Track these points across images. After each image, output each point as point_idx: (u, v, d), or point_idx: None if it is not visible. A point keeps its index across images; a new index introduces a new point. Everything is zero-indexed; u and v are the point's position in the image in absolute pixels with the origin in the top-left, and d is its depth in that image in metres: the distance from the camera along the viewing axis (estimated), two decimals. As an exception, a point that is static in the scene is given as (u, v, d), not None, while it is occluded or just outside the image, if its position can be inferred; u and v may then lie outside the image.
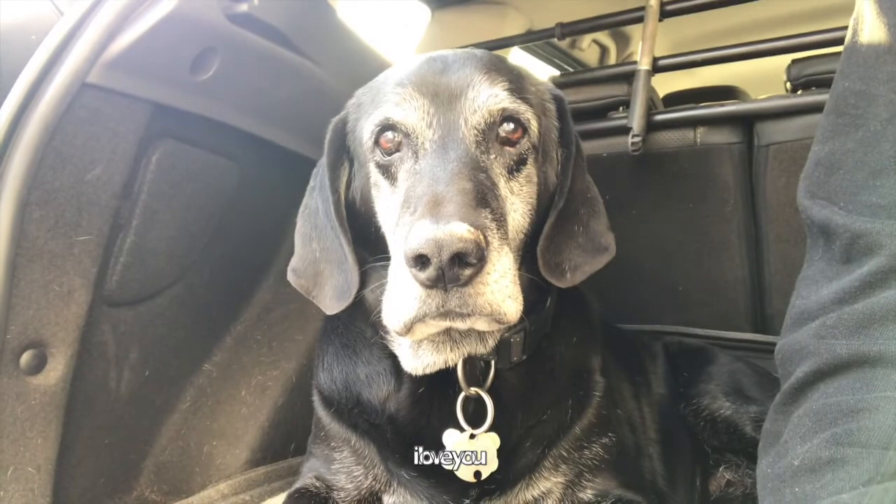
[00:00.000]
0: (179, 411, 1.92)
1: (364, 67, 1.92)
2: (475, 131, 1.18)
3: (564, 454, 1.35)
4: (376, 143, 1.24)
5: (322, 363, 1.49)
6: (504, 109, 1.19)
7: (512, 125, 1.21)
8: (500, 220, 1.08)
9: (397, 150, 1.22)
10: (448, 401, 1.28)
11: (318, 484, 1.45)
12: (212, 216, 1.82)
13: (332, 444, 1.45)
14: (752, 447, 1.69)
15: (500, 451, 1.28)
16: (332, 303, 1.32)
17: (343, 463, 1.42)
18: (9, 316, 1.37)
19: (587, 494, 1.36)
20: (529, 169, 1.24)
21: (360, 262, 1.30)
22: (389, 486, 1.38)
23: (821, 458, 0.82)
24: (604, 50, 4.14)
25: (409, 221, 1.04)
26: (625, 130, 2.27)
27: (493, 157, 1.18)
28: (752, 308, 2.42)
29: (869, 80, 0.96)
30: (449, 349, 1.24)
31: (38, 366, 1.44)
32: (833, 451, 0.81)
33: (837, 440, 0.82)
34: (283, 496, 1.48)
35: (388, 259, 1.17)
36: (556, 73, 3.88)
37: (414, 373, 1.27)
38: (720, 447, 1.77)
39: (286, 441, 2.02)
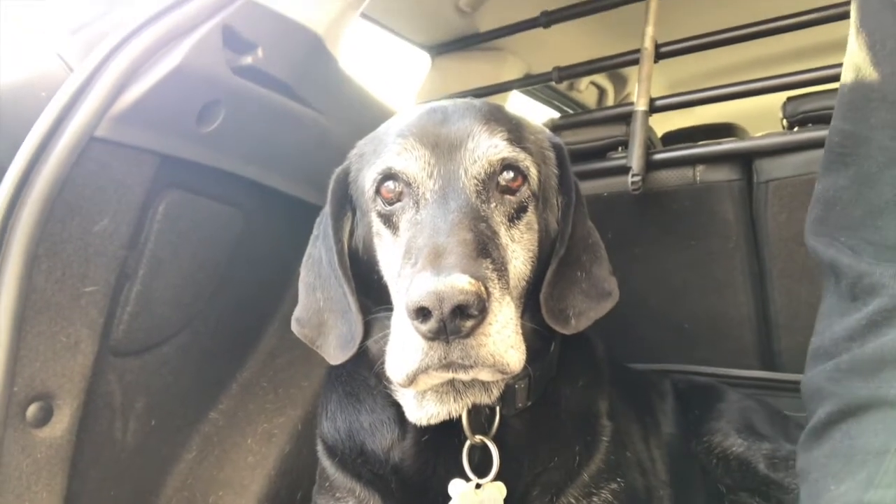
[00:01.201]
0: (185, 461, 1.90)
1: (366, 115, 1.96)
2: (475, 181, 1.19)
3: (573, 501, 1.33)
4: (378, 192, 1.26)
5: (325, 412, 1.48)
6: (504, 159, 1.21)
7: (512, 174, 1.22)
8: (502, 269, 1.08)
9: (399, 200, 1.23)
10: (454, 449, 1.27)
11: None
12: (217, 264, 1.83)
13: (337, 494, 1.42)
14: (765, 485, 1.67)
15: (507, 500, 1.26)
16: (336, 353, 1.32)
17: None
18: (16, 368, 1.37)
19: None
20: (530, 216, 1.25)
21: (364, 312, 1.30)
22: None
23: (862, 502, 0.84)
24: (602, 91, 4.21)
25: (410, 273, 1.05)
26: (624, 170, 2.29)
27: (493, 205, 1.19)
28: (759, 345, 2.40)
29: (861, 122, 0.99)
30: (452, 399, 1.24)
31: (45, 418, 1.44)
32: (873, 494, 0.83)
33: (873, 482, 0.84)
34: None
35: (391, 309, 1.18)
36: (556, 114, 3.95)
37: (418, 423, 1.27)
38: (733, 485, 1.74)
39: (293, 490, 1.99)
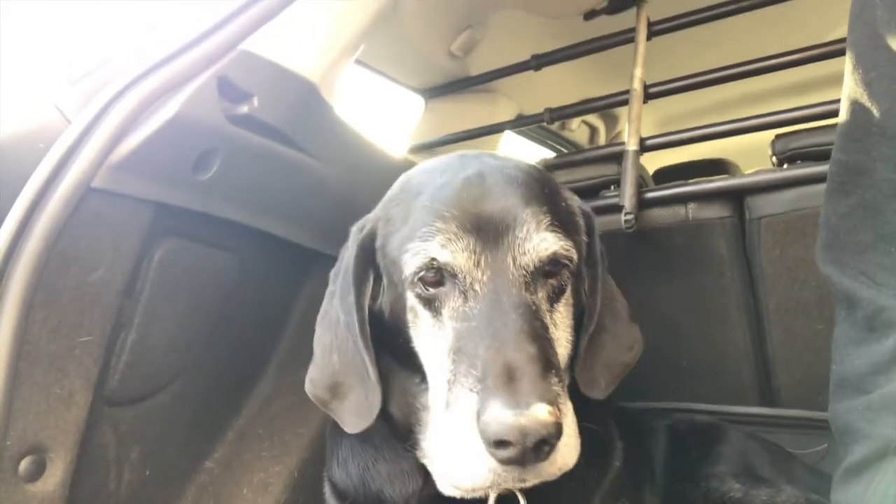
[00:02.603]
0: (180, 512, 1.87)
1: (362, 158, 1.98)
2: (524, 272, 1.16)
3: None
4: (420, 278, 1.21)
5: (336, 457, 1.45)
6: (554, 254, 1.19)
7: (556, 261, 1.21)
8: (560, 371, 1.09)
9: (441, 285, 1.19)
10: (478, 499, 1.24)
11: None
12: (213, 310, 1.83)
13: None
14: (762, 531, 1.65)
15: None
16: (351, 419, 1.29)
17: None
18: (9, 421, 1.36)
19: None
20: (567, 294, 1.26)
21: (384, 372, 1.29)
22: None
23: None
24: (593, 130, 4.26)
25: (473, 386, 1.04)
26: (618, 208, 2.31)
27: (539, 294, 1.18)
28: (758, 381, 2.39)
29: (861, 154, 1.02)
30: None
31: (37, 472, 1.41)
32: None
33: None
34: None
35: (417, 374, 1.22)
36: (548, 153, 4.00)
37: (471, 495, 1.22)
38: (732, 534, 1.72)
39: (290, 539, 1.96)
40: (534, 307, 1.14)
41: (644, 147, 2.41)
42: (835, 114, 2.09)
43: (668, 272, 2.42)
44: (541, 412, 0.96)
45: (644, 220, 2.34)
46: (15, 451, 1.37)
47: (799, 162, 2.27)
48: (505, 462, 0.98)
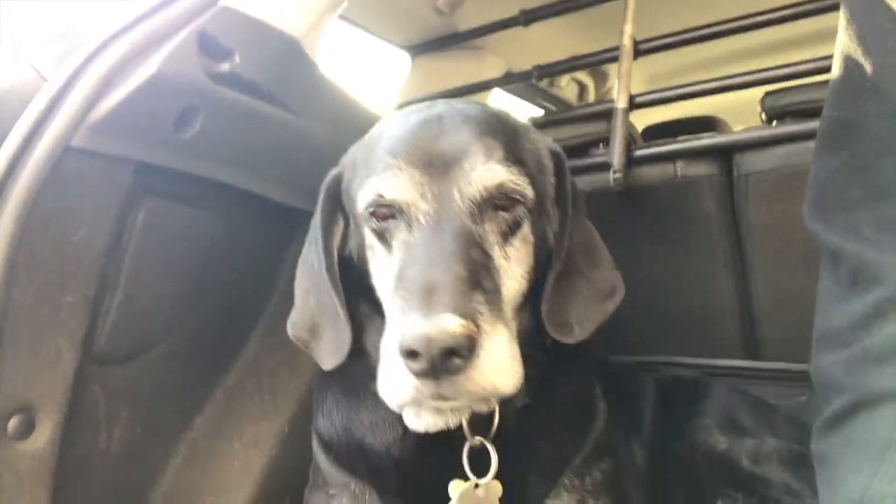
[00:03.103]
0: (172, 468, 1.89)
1: (346, 117, 1.96)
2: (470, 202, 1.18)
3: (567, 483, 1.36)
4: (371, 214, 1.25)
5: (321, 409, 1.48)
6: (500, 185, 1.19)
7: (507, 193, 1.20)
8: (495, 296, 1.09)
9: (392, 217, 1.23)
10: (454, 448, 1.28)
11: (314, 539, 1.44)
12: (199, 270, 1.83)
13: (331, 491, 1.43)
14: (748, 480, 1.68)
15: (507, 493, 1.28)
16: (328, 358, 1.34)
17: None
18: (-4, 382, 1.37)
19: None
20: (525, 231, 1.24)
21: (357, 314, 1.32)
22: None
23: (885, 493, 0.87)
24: (582, 87, 4.22)
25: (401, 306, 1.06)
26: (606, 167, 2.30)
27: (487, 225, 1.18)
28: (742, 335, 2.43)
29: (854, 110, 1.02)
30: (450, 412, 1.23)
31: (26, 431, 1.42)
32: (887, 485, 0.87)
33: (889, 474, 0.88)
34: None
35: (382, 312, 1.20)
36: (537, 111, 3.96)
37: (416, 430, 1.26)
38: (717, 482, 1.75)
39: (281, 493, 1.99)
40: (477, 237, 1.15)
41: (634, 104, 2.39)
42: (825, 70, 2.08)
43: (656, 230, 2.43)
44: (448, 322, 0.96)
45: (632, 178, 2.34)
46: (3, 409, 1.38)
47: (788, 119, 2.26)
48: (418, 375, 0.99)
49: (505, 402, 1.27)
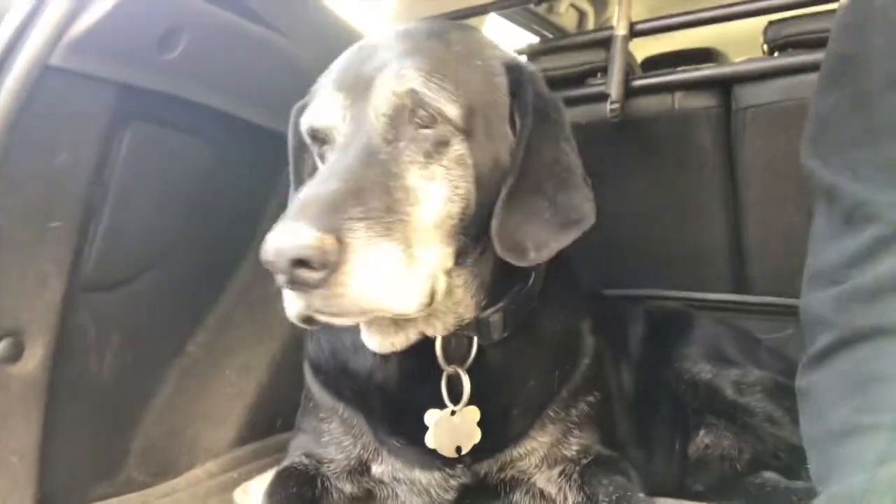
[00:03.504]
0: (164, 394, 1.91)
1: (337, 41, 1.87)
2: (384, 119, 1.14)
3: (552, 415, 1.39)
4: (313, 139, 1.25)
5: (310, 333, 1.49)
6: (412, 92, 1.13)
7: (425, 109, 1.14)
8: (388, 213, 1.04)
9: (325, 142, 1.22)
10: (435, 374, 1.29)
11: (306, 461, 1.47)
12: (187, 197, 1.80)
13: (321, 415, 1.46)
14: (731, 409, 1.73)
15: (488, 421, 1.30)
16: None
17: (332, 434, 1.44)
18: (-17, 306, 1.36)
19: (571, 450, 1.40)
20: (457, 151, 1.16)
21: None
22: (378, 455, 1.40)
23: (858, 424, 0.88)
24: (582, 14, 4.09)
25: None
26: (603, 97, 2.25)
27: (402, 144, 1.13)
28: (732, 271, 2.44)
29: (859, 44, 0.98)
30: (394, 332, 1.24)
31: (16, 354, 1.43)
32: (869, 418, 0.87)
33: (870, 406, 0.88)
34: (271, 473, 1.49)
35: None
36: (534, 39, 3.84)
37: (374, 350, 1.27)
38: (701, 409, 1.80)
39: (273, 417, 2.03)
40: (383, 155, 1.11)
41: (634, 32, 2.32)
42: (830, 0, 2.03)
43: (651, 163, 2.40)
44: (298, 232, 0.93)
45: (629, 109, 2.29)
46: (-8, 333, 1.38)
47: (790, 50, 2.21)
48: (283, 286, 0.99)
49: (482, 333, 1.29)
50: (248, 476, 1.87)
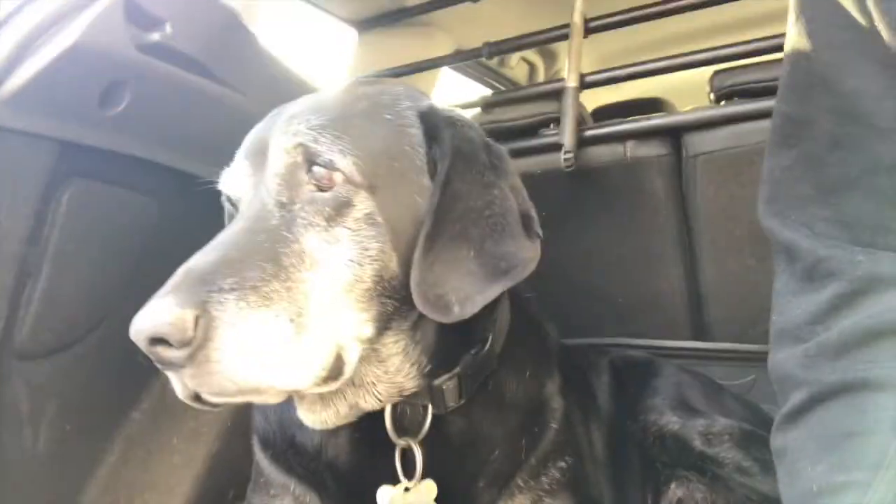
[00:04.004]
0: (107, 464, 1.80)
1: (290, 95, 1.85)
2: (277, 180, 1.10)
3: (521, 484, 1.31)
4: (231, 206, 1.23)
5: (258, 405, 1.40)
6: (301, 146, 1.09)
7: (321, 168, 1.09)
8: (273, 280, 0.98)
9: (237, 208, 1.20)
10: (390, 448, 1.21)
11: (257, 537, 1.37)
12: (131, 256, 1.72)
13: (272, 491, 1.36)
14: (700, 460, 1.69)
15: (451, 496, 1.23)
16: None
17: None
18: None
19: None
20: (363, 209, 1.08)
21: None
22: None
23: (836, 483, 0.87)
24: (532, 67, 4.18)
25: None
26: (557, 147, 2.28)
27: (298, 206, 1.08)
28: (690, 317, 2.45)
29: (804, 105, 1.00)
30: (321, 407, 1.18)
31: (-62, 434, 1.32)
32: (845, 476, 0.87)
33: (845, 464, 0.87)
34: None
35: None
36: (488, 91, 3.91)
37: (314, 427, 1.20)
38: (669, 462, 1.76)
39: (223, 489, 1.92)
40: (276, 220, 1.06)
41: (584, 84, 2.36)
42: (775, 49, 2.10)
43: (605, 211, 2.42)
44: (159, 310, 0.89)
45: (583, 158, 2.32)
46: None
47: (736, 99, 2.27)
48: (155, 364, 0.94)
49: (435, 402, 1.21)
50: (198, 553, 1.75)
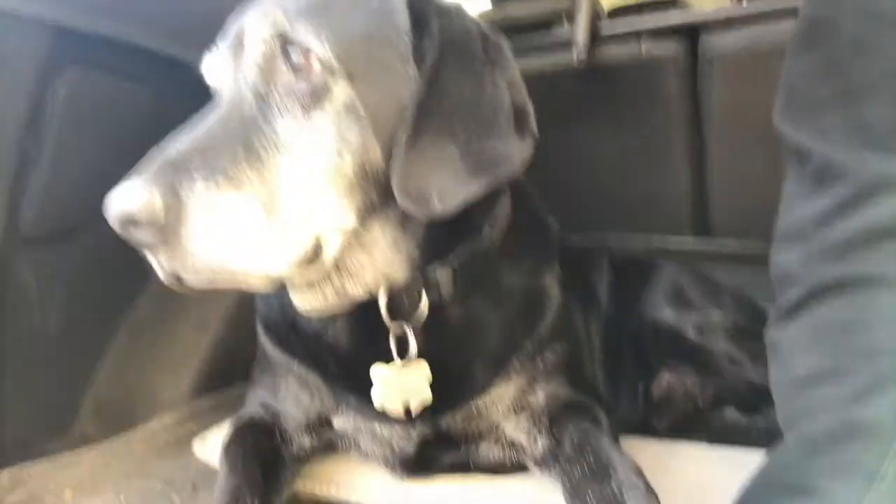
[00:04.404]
0: (116, 346, 1.86)
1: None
2: (255, 69, 1.07)
3: (517, 365, 1.35)
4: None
5: None
6: (279, 34, 1.05)
7: (298, 54, 1.05)
8: (246, 167, 0.98)
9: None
10: (389, 334, 1.24)
11: (263, 412, 1.44)
12: (131, 146, 1.68)
13: (277, 371, 1.43)
14: (693, 352, 1.75)
15: (446, 375, 1.26)
16: None
17: (289, 390, 1.41)
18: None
19: (538, 398, 1.37)
20: (342, 97, 1.05)
21: None
22: (338, 409, 1.38)
23: (823, 369, 0.91)
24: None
25: None
26: (569, 44, 2.20)
27: (275, 94, 1.06)
28: (694, 217, 2.45)
29: (830, 10, 0.98)
30: (309, 291, 1.19)
31: (-49, 310, 1.37)
32: (833, 362, 0.90)
33: (834, 352, 0.91)
34: (228, 424, 1.46)
35: None
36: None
37: (304, 311, 1.22)
38: (663, 354, 1.81)
39: (231, 369, 1.98)
40: (250, 108, 1.05)
41: (600, -23, 2.25)
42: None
43: (617, 111, 2.37)
44: (130, 191, 0.90)
45: (596, 56, 2.25)
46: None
47: (760, -1, 2.17)
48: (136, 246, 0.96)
49: (430, 289, 1.23)
50: (206, 428, 1.82)
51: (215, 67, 1.15)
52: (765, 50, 2.06)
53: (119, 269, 1.81)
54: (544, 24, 2.37)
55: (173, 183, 0.91)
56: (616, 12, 3.43)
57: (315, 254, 1.06)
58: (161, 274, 0.99)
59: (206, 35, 1.69)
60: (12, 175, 1.43)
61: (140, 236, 0.91)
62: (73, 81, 1.51)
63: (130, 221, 0.90)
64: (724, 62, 2.15)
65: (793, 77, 1.05)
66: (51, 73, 1.47)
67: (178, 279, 0.99)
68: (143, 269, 1.87)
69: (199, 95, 1.81)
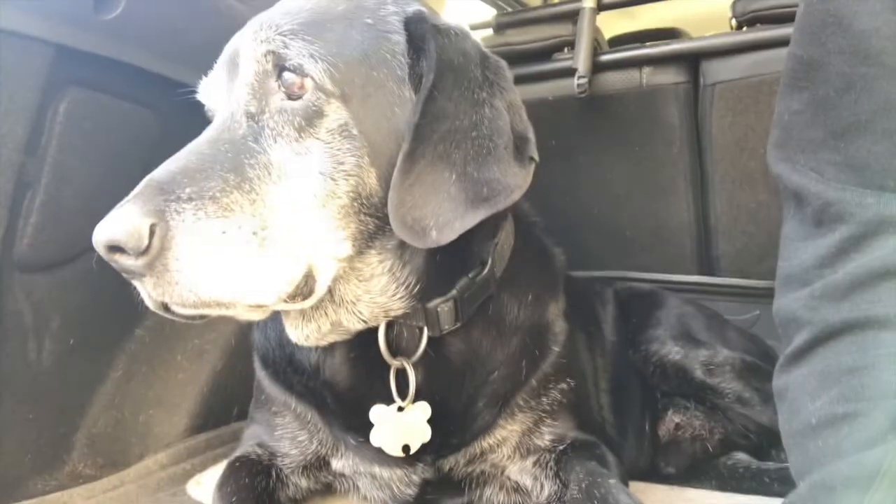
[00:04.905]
0: (111, 380, 1.80)
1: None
2: (247, 89, 1.05)
3: (521, 404, 1.30)
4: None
5: (258, 323, 1.39)
6: (271, 53, 1.03)
7: (291, 74, 1.02)
8: (235, 192, 0.96)
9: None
10: (387, 369, 1.20)
11: (259, 451, 1.39)
12: (132, 170, 1.67)
13: (273, 408, 1.38)
14: (701, 390, 1.71)
15: (449, 415, 1.23)
16: None
17: (286, 428, 1.36)
18: None
19: (544, 440, 1.32)
20: (337, 120, 1.03)
21: None
22: (337, 451, 1.33)
23: (835, 414, 0.88)
24: (547, -13, 4.04)
25: None
26: (570, 72, 2.21)
27: (267, 116, 1.03)
28: (698, 251, 2.43)
29: (817, 48, 0.99)
30: (303, 323, 1.16)
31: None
32: (845, 407, 0.87)
33: (845, 397, 0.88)
34: (225, 464, 1.40)
35: None
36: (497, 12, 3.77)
37: (298, 343, 1.19)
38: (670, 391, 1.78)
39: (228, 406, 1.93)
40: (243, 130, 1.03)
41: (602, 5, 2.27)
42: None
43: (618, 141, 2.37)
44: (117, 217, 0.89)
45: (597, 85, 2.26)
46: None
47: (758, 25, 2.19)
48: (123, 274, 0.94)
49: (430, 323, 1.19)
50: (202, 467, 1.77)
51: (211, 88, 1.13)
52: (765, 77, 2.08)
53: (117, 297, 1.76)
54: (545, 51, 2.38)
55: (160, 208, 0.90)
56: (617, 41, 3.48)
57: (308, 284, 1.03)
58: (148, 301, 0.96)
59: (207, 57, 1.69)
60: (10, 198, 1.39)
61: (126, 263, 0.90)
62: (74, 102, 1.48)
63: (115, 248, 0.89)
64: (724, 89, 2.17)
65: (785, 116, 1.05)
66: (51, 93, 1.43)
67: (166, 307, 0.96)
68: (141, 300, 1.85)
69: (200, 118, 1.80)
